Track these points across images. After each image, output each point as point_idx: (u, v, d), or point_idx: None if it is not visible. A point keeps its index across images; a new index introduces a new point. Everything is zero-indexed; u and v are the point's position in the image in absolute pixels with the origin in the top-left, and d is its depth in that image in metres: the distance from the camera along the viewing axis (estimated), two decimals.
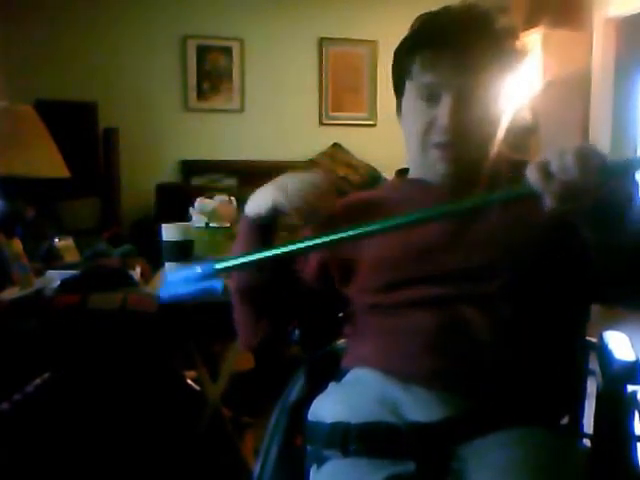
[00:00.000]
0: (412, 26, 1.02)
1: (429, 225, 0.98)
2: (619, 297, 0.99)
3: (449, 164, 0.99)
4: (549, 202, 0.77)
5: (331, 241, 0.90)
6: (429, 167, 1.03)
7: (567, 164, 0.75)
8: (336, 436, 0.92)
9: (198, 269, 0.93)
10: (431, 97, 0.97)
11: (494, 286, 0.94)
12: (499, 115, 1.01)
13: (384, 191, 1.15)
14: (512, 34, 1.01)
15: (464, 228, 0.98)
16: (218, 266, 0.93)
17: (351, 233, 0.89)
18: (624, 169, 0.81)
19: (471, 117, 0.96)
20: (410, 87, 1.01)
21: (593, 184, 0.76)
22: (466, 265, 0.96)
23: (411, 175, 1.10)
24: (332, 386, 1.04)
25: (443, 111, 0.96)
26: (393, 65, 1.05)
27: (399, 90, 1.04)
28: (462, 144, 0.97)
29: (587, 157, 0.75)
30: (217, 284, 0.94)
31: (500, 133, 1.02)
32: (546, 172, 0.77)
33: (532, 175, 0.78)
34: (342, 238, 0.89)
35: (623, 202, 0.83)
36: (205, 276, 0.92)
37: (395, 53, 1.05)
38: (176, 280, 0.96)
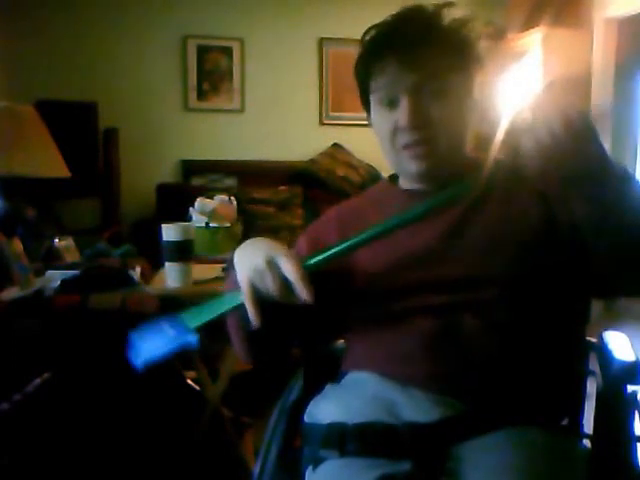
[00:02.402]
0: (361, 40, 1.05)
1: (425, 232, 0.98)
2: (616, 286, 0.98)
3: (420, 162, 1.00)
4: (532, 158, 0.81)
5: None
6: (404, 170, 1.05)
7: (549, 122, 0.80)
8: (333, 436, 0.92)
9: (170, 329, 0.87)
10: (391, 102, 1.00)
11: (490, 292, 0.94)
12: (468, 107, 1.02)
13: (373, 198, 1.15)
14: (461, 26, 1.01)
15: (460, 234, 0.98)
16: (191, 323, 0.88)
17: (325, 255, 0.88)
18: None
19: (432, 112, 0.98)
20: (372, 98, 1.04)
21: (577, 138, 0.80)
22: (462, 272, 0.96)
23: (401, 181, 1.11)
24: (329, 388, 1.04)
25: (402, 112, 0.98)
26: (357, 82, 1.07)
27: (365, 104, 1.07)
28: (429, 140, 0.98)
29: (566, 113, 0.80)
30: (192, 339, 0.89)
31: (476, 126, 1.04)
32: (532, 132, 0.80)
33: (522, 138, 0.81)
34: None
35: (617, 174, 0.85)
36: (179, 335, 0.87)
37: (354, 72, 1.07)
38: (148, 344, 0.88)
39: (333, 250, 0.90)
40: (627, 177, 0.87)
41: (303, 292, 0.81)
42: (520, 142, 0.82)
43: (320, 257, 0.88)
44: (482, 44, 1.03)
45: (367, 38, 1.04)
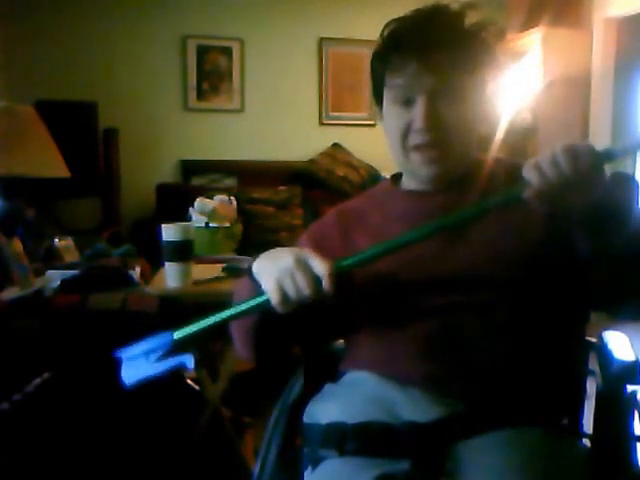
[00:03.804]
0: (381, 33, 1.03)
1: None
2: (617, 307, 0.99)
3: (431, 165, 1.00)
4: (540, 203, 0.80)
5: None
6: (413, 171, 1.04)
7: (558, 162, 0.78)
8: (332, 436, 0.92)
9: (156, 343, 0.87)
10: (406, 101, 0.98)
11: (490, 294, 0.94)
12: (480, 111, 1.01)
13: (374, 199, 1.14)
14: (481, 29, 1.00)
15: (459, 237, 0.98)
16: (177, 336, 0.88)
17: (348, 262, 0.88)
18: (612, 157, 0.81)
19: (447, 116, 0.97)
20: (387, 94, 1.02)
21: (585, 181, 0.79)
22: (463, 274, 0.96)
23: (404, 181, 1.11)
24: (328, 387, 1.05)
25: (418, 113, 0.97)
26: (371, 75, 1.06)
27: (378, 99, 1.06)
28: (441, 144, 0.98)
29: (577, 154, 0.78)
30: (187, 360, 0.88)
31: (483, 129, 1.03)
32: (540, 171, 0.79)
33: (528, 175, 0.80)
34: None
35: (620, 209, 0.84)
36: (165, 349, 0.87)
37: (370, 63, 1.05)
38: (137, 361, 0.88)
39: (367, 254, 0.90)
40: (633, 214, 0.86)
41: (332, 288, 0.83)
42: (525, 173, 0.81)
43: (351, 261, 0.89)
44: (498, 47, 1.02)
45: (387, 32, 1.02)
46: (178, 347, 0.88)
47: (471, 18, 1.00)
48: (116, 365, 0.90)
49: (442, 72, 0.96)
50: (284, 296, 0.84)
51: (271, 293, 0.85)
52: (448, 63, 0.96)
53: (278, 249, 0.91)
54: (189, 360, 0.88)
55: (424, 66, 0.96)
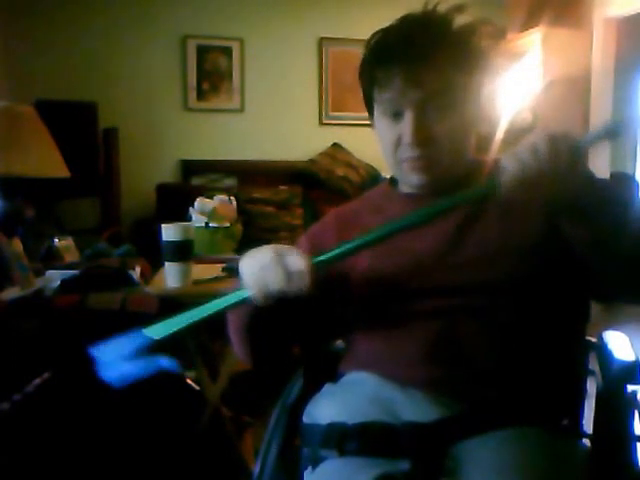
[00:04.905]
0: (367, 44, 1.02)
1: (426, 238, 0.98)
2: (614, 294, 0.99)
3: (422, 175, 1.00)
4: (514, 190, 0.80)
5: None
6: (405, 180, 1.04)
7: (537, 149, 0.78)
8: (333, 436, 0.92)
9: (132, 340, 0.88)
10: (395, 114, 0.98)
11: (490, 297, 0.94)
12: (474, 115, 1.01)
13: (372, 202, 1.14)
14: (471, 33, 0.99)
15: (459, 241, 0.98)
16: (153, 335, 0.88)
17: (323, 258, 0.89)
18: (593, 141, 0.82)
19: (437, 127, 0.96)
20: (376, 106, 1.03)
21: (564, 167, 0.79)
22: (462, 278, 0.95)
23: (400, 185, 1.11)
24: (328, 387, 1.05)
25: (406, 127, 0.97)
26: (361, 85, 1.05)
27: (369, 108, 1.06)
28: (432, 155, 0.98)
29: (555, 141, 0.78)
30: (170, 363, 0.89)
31: (482, 130, 1.03)
32: (518, 160, 0.79)
33: (506, 163, 0.80)
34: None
35: (604, 197, 0.85)
36: (143, 347, 0.88)
37: (359, 74, 1.05)
38: (115, 357, 0.89)
39: (340, 249, 0.90)
40: (617, 200, 0.86)
41: (305, 280, 0.83)
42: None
43: (327, 255, 0.89)
44: (491, 50, 1.00)
45: (373, 43, 1.01)
46: (156, 345, 0.89)
47: (462, 20, 0.99)
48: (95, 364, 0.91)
49: (430, 85, 0.95)
50: (262, 288, 0.85)
51: (250, 286, 0.86)
52: (436, 75, 0.95)
53: (262, 247, 0.92)
54: (172, 365, 0.88)
55: (410, 81, 0.95)
